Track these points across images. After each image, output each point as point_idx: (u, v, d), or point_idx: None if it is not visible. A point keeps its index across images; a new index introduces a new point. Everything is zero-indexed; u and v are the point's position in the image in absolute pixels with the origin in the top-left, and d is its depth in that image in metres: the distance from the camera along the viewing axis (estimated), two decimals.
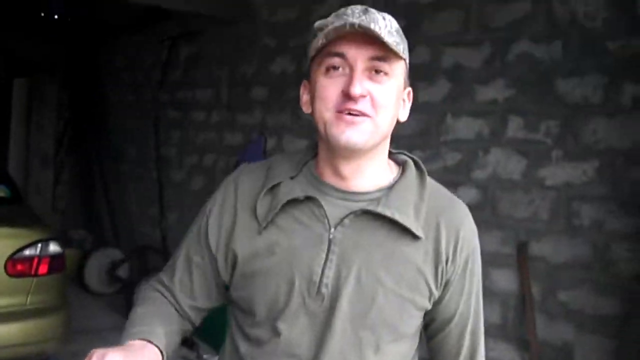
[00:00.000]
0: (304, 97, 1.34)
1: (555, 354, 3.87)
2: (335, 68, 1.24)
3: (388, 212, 1.28)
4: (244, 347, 1.38)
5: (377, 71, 1.24)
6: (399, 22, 1.29)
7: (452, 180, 4.35)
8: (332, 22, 1.23)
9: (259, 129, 6.09)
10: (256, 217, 1.34)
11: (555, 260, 3.88)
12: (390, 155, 1.42)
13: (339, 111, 1.23)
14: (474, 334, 1.42)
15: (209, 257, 1.40)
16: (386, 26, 1.22)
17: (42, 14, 8.50)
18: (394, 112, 1.30)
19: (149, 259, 7.26)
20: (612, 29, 3.65)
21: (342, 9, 1.25)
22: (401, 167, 1.40)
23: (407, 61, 1.31)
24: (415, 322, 1.35)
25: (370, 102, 1.23)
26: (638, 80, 3.56)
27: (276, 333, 1.32)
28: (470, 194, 4.27)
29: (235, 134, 6.44)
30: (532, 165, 3.98)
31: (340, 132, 1.23)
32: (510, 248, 4.09)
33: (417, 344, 1.42)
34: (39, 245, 4.18)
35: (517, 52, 4.08)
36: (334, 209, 1.30)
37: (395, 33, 1.25)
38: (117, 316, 6.27)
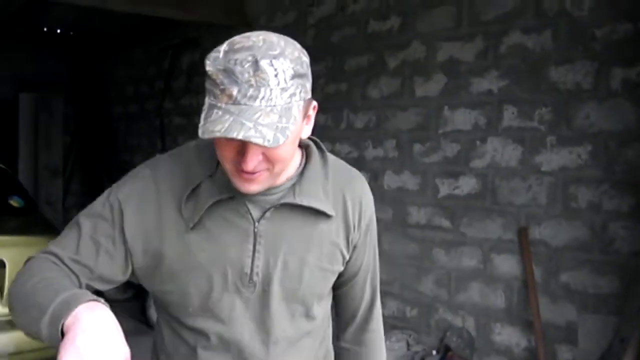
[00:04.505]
0: None
1: (559, 334, 3.99)
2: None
3: (305, 202, 1.39)
4: (191, 338, 1.45)
5: None
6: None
7: (452, 170, 4.47)
8: (221, 82, 1.17)
9: None
10: (182, 217, 1.37)
11: (555, 243, 4.00)
12: None
13: (237, 169, 1.26)
14: (373, 281, 1.62)
15: (123, 247, 1.38)
16: (278, 83, 1.16)
17: (45, 29, 8.66)
18: (294, 149, 1.33)
19: None
20: (598, 17, 3.78)
21: (232, 60, 1.16)
22: (304, 151, 1.45)
23: (309, 87, 1.26)
24: (331, 283, 1.53)
25: (265, 161, 1.25)
26: (626, 64, 3.68)
27: (218, 321, 1.42)
28: (470, 183, 4.40)
29: None
30: (528, 152, 4.10)
31: (239, 184, 1.28)
32: (511, 234, 4.21)
33: (331, 297, 1.60)
34: None
35: (509, 44, 4.20)
36: (255, 205, 1.39)
37: (289, 82, 1.18)
38: (133, 321, 6.37)
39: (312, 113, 1.33)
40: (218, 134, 1.14)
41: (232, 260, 1.38)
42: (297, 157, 1.43)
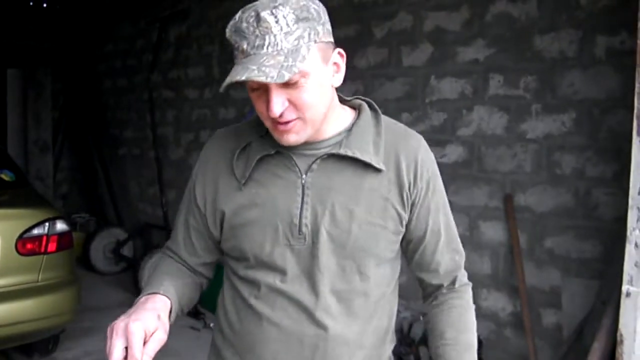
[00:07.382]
0: None
1: (544, 298, 4.07)
2: (255, 89, 1.36)
3: (350, 152, 1.44)
4: (244, 289, 1.53)
5: (290, 82, 1.31)
6: None
7: (439, 139, 4.52)
8: (235, 41, 1.32)
9: (251, 103, 6.22)
10: (235, 176, 1.49)
11: (540, 210, 4.07)
12: (346, 102, 1.57)
13: (273, 121, 1.36)
14: (450, 247, 1.58)
15: (201, 217, 1.57)
16: (281, 29, 1.27)
17: (31, 3, 8.59)
18: (323, 96, 1.38)
19: (152, 236, 7.44)
20: None
21: (240, 19, 1.30)
22: (357, 110, 1.53)
23: (323, 30, 1.34)
24: (393, 246, 1.52)
25: (294, 108, 1.34)
26: (610, 32, 3.72)
27: (270, 272, 1.49)
28: (457, 151, 4.45)
29: (229, 109, 6.58)
30: (513, 120, 4.16)
31: (279, 137, 1.39)
32: (497, 201, 4.27)
33: (398, 268, 1.60)
34: (47, 224, 4.32)
35: (495, 13, 4.23)
36: (302, 158, 1.46)
37: (294, 27, 1.28)
38: (125, 293, 6.44)
39: (340, 61, 1.42)
40: (225, 83, 1.28)
41: (282, 213, 1.45)
42: (348, 115, 1.52)
